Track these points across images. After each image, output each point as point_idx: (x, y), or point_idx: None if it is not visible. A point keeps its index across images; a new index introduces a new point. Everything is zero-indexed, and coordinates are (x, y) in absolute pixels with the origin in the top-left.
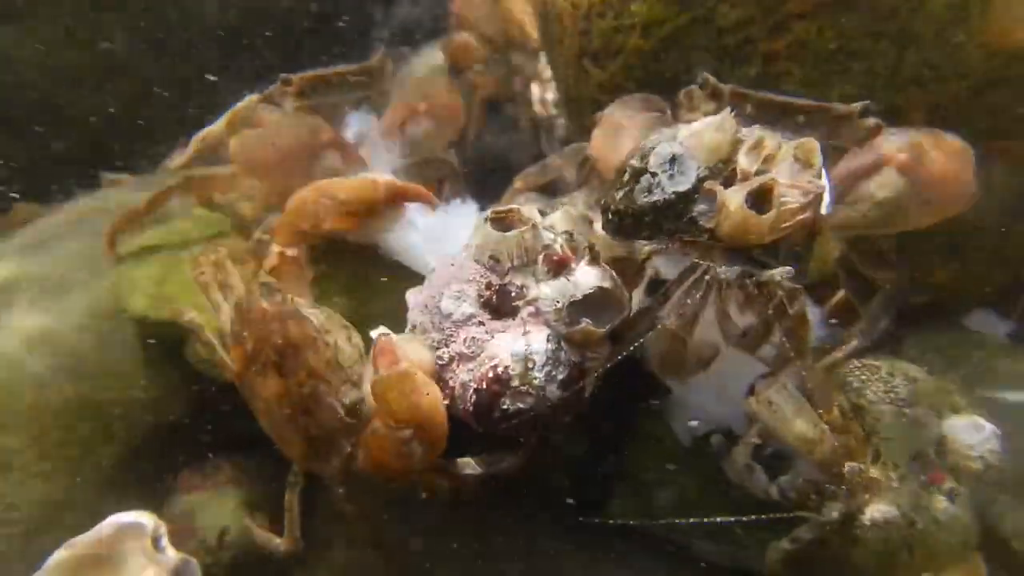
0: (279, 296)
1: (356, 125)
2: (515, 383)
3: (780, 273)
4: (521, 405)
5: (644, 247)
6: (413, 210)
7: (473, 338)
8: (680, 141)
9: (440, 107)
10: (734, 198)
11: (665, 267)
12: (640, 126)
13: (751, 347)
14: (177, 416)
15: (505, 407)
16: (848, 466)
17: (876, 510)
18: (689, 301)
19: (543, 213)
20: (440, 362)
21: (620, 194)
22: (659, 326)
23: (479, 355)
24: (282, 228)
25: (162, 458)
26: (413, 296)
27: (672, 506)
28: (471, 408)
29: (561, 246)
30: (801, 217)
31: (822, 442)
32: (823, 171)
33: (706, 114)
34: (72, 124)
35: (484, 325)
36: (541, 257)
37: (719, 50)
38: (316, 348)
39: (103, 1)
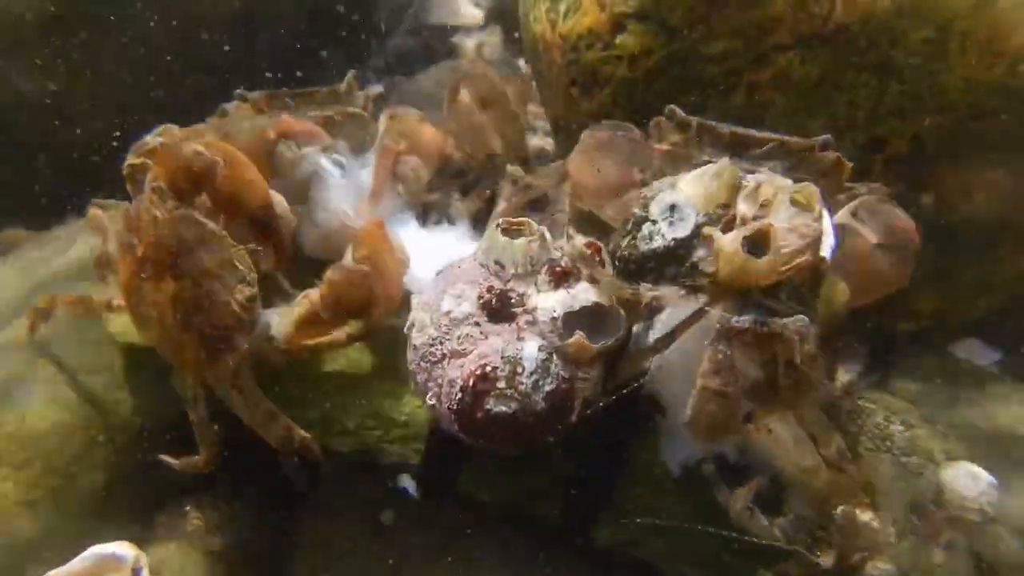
0: (172, 202)
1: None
2: (501, 384)
3: (792, 322)
4: (504, 408)
5: (649, 291)
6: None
7: (467, 335)
8: (679, 189)
9: (418, 143)
10: (730, 244)
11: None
12: (606, 147)
13: (765, 399)
14: (162, 445)
15: (488, 407)
16: (840, 510)
17: (875, 568)
18: (722, 356)
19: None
20: (432, 359)
21: (625, 241)
22: (699, 388)
23: (470, 353)
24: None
25: (146, 487)
26: (417, 296)
27: (660, 535)
28: (455, 406)
29: (565, 262)
30: (800, 260)
31: (818, 474)
32: (824, 214)
33: (673, 144)
34: (62, 149)
35: (480, 326)
36: (545, 268)
37: (704, 81)
38: (211, 249)
39: (88, 27)
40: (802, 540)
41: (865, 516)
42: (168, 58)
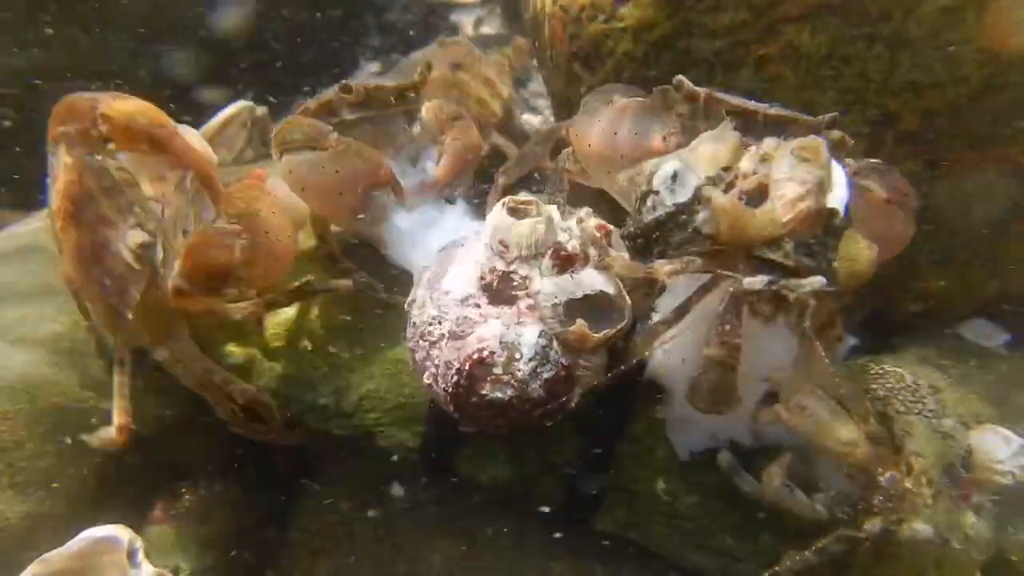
0: (79, 150)
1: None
2: (498, 370)
3: (811, 283)
4: (500, 395)
5: (664, 267)
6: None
7: (465, 317)
8: (681, 157)
9: (473, 151)
10: (727, 199)
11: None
12: (622, 111)
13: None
14: (157, 427)
15: (483, 393)
16: (887, 475)
17: (912, 528)
18: (728, 327)
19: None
20: (430, 338)
21: (631, 218)
22: (702, 358)
23: (467, 336)
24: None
25: (142, 469)
26: (418, 273)
27: (666, 520)
28: (450, 388)
29: (572, 245)
30: (801, 207)
31: (860, 445)
32: (834, 166)
33: (679, 116)
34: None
35: (479, 308)
36: (550, 251)
37: (711, 54)
38: (111, 195)
39: (84, 3)
40: (846, 514)
41: (905, 481)
42: (158, 34)
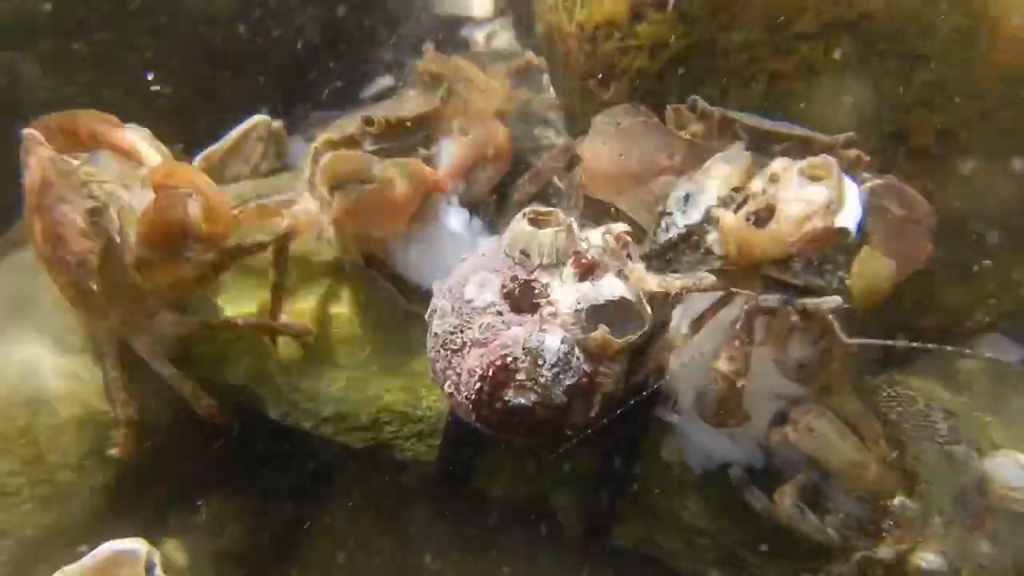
0: (44, 149)
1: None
2: (521, 376)
3: (827, 302)
4: (523, 400)
5: (676, 282)
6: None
7: (489, 324)
8: (694, 179)
9: (500, 152)
10: (733, 219)
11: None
12: (628, 133)
13: (808, 379)
14: (174, 439)
15: (507, 399)
16: (897, 500)
17: (923, 559)
18: (739, 342)
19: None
20: (452, 347)
21: (648, 238)
22: (711, 370)
23: (491, 343)
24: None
25: (158, 482)
26: (439, 283)
27: (682, 535)
28: (473, 396)
29: (592, 254)
30: (808, 228)
31: (869, 467)
32: (846, 185)
33: (694, 135)
34: None
35: (502, 315)
36: (571, 260)
37: (725, 71)
38: (66, 176)
39: (101, 26)
40: (856, 539)
41: (914, 506)
42: (179, 56)
